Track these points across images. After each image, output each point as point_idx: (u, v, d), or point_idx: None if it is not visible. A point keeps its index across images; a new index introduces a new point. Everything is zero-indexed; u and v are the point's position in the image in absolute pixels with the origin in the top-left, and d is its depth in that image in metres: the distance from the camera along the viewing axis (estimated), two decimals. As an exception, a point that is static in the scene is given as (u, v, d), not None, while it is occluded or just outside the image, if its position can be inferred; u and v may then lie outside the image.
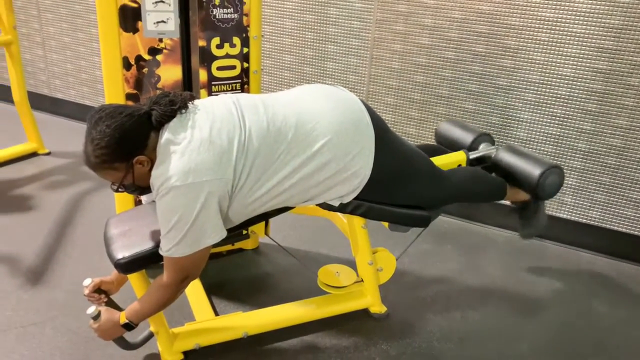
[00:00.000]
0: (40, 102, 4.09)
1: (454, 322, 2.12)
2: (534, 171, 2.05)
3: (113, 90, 2.02)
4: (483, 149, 2.22)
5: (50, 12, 3.82)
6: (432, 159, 1.97)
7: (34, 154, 3.46)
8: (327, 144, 1.62)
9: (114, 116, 1.49)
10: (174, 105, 1.54)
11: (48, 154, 3.48)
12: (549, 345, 2.03)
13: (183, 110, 1.56)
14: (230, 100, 1.65)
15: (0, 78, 4.27)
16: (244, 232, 2.41)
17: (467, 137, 2.25)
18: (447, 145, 2.33)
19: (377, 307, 2.12)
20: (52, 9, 3.81)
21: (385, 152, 1.72)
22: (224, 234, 1.58)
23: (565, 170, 2.60)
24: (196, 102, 1.62)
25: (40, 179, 3.15)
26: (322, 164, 1.63)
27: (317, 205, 1.77)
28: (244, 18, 2.10)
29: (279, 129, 1.59)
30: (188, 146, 1.49)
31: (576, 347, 2.03)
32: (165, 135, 1.51)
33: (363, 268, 2.07)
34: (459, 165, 2.11)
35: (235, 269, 2.41)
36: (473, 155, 2.16)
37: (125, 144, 1.50)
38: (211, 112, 1.58)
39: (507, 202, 2.33)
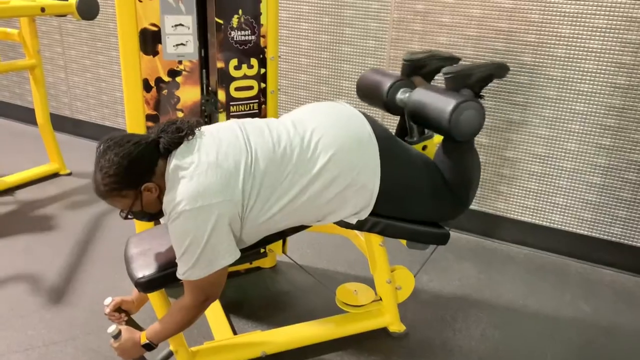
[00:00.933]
0: (62, 123, 4.17)
1: (474, 341, 2.09)
2: (446, 107, 1.70)
3: (133, 112, 2.06)
4: (401, 99, 1.92)
5: (72, 35, 3.92)
6: None
7: (55, 175, 3.52)
8: (330, 160, 1.63)
9: (122, 144, 1.52)
10: (180, 132, 1.57)
11: (69, 174, 3.55)
12: (572, 365, 1.99)
13: (190, 137, 1.58)
14: (236, 125, 1.68)
15: (24, 100, 4.37)
16: (262, 250, 2.43)
17: (384, 84, 1.95)
18: (368, 98, 2.08)
19: (396, 326, 2.11)
20: (74, 32, 3.91)
21: (392, 164, 1.72)
22: (238, 254, 1.59)
23: (584, 186, 2.58)
24: (202, 128, 1.64)
25: (61, 199, 3.20)
26: (329, 180, 1.64)
27: (334, 223, 1.78)
28: (261, 40, 2.13)
29: (285, 149, 1.61)
30: (195, 170, 1.51)
31: (600, 367, 1.99)
32: (173, 161, 1.54)
33: (381, 286, 2.06)
34: (424, 148, 1.91)
35: (253, 288, 2.41)
36: (412, 134, 1.91)
37: (134, 172, 1.52)
38: (217, 137, 1.61)
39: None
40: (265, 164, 1.58)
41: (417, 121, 1.88)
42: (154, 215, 1.63)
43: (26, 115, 4.34)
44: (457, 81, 1.88)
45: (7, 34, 3.25)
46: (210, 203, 1.49)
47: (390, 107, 1.98)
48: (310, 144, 1.63)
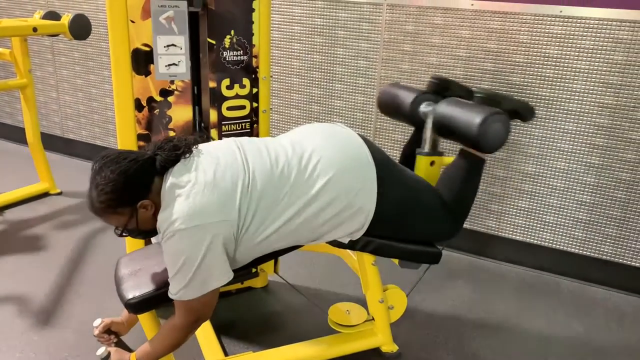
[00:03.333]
0: (52, 143, 4.15)
1: (467, 361, 2.09)
2: (474, 120, 1.73)
3: (125, 131, 2.05)
4: (423, 112, 1.94)
5: (64, 55, 3.93)
6: None
7: (45, 194, 3.49)
8: (328, 183, 1.63)
9: (118, 161, 1.51)
10: (177, 150, 1.57)
11: (59, 194, 3.52)
12: (565, 385, 1.98)
13: (187, 155, 1.58)
14: (234, 144, 1.67)
15: (15, 120, 4.36)
16: (253, 270, 2.41)
17: (407, 99, 1.98)
18: (390, 113, 2.11)
19: (389, 346, 2.10)
20: (65, 52, 3.91)
21: (388, 187, 1.72)
22: (231, 275, 1.58)
23: (575, 204, 2.60)
24: (200, 146, 1.64)
25: (51, 218, 3.18)
26: (326, 203, 1.63)
27: (327, 242, 1.77)
28: (253, 60, 2.15)
29: (282, 171, 1.61)
30: (192, 189, 1.50)
31: (593, 386, 1.98)
32: (170, 179, 1.53)
33: (374, 306, 2.05)
34: (432, 163, 1.91)
35: (244, 308, 2.39)
36: (424, 145, 1.92)
37: (129, 189, 1.51)
38: (215, 155, 1.60)
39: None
40: (263, 184, 1.57)
41: (443, 131, 1.88)
42: (149, 232, 1.61)
43: (16, 135, 4.31)
44: (486, 103, 1.91)
45: (-1, 53, 3.26)
46: (206, 223, 1.48)
47: (413, 118, 1.99)
48: (309, 166, 1.63)
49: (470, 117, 1.75)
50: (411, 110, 1.96)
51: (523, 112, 2.00)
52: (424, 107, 1.96)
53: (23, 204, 3.34)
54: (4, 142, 4.43)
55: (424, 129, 1.94)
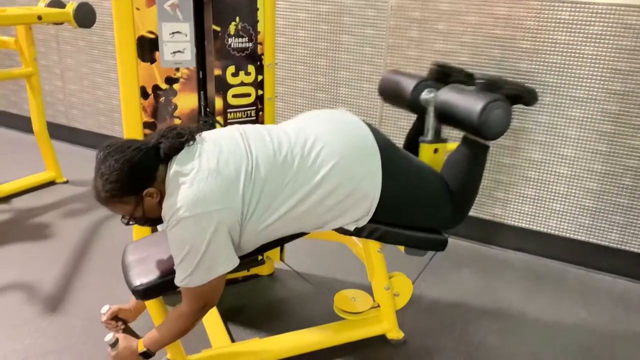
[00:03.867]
0: (58, 131, 4.16)
1: (472, 348, 2.09)
2: (475, 107, 1.72)
3: (131, 119, 2.05)
4: (425, 99, 1.93)
5: (69, 44, 3.92)
6: None
7: (52, 183, 3.51)
8: (333, 169, 1.63)
9: (122, 150, 1.51)
10: (181, 137, 1.57)
11: (66, 182, 3.54)
12: (571, 371, 1.99)
13: (191, 142, 1.58)
14: (237, 131, 1.67)
15: (21, 109, 4.36)
16: (259, 257, 2.42)
17: (408, 85, 1.96)
18: (391, 99, 2.10)
19: (394, 333, 2.10)
20: (70, 41, 3.91)
21: (393, 173, 1.71)
22: (237, 262, 1.58)
23: (581, 192, 2.59)
24: (203, 134, 1.64)
25: (58, 207, 3.19)
26: (330, 190, 1.63)
27: (333, 230, 1.78)
28: (258, 47, 2.14)
29: (285, 157, 1.61)
30: (196, 177, 1.50)
31: (599, 373, 1.99)
32: (174, 167, 1.53)
33: (379, 293, 2.06)
34: (435, 150, 1.91)
35: (251, 295, 2.40)
36: (426, 133, 1.92)
37: (134, 178, 1.51)
38: (218, 143, 1.60)
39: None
40: (266, 171, 1.57)
41: (444, 119, 1.88)
42: (156, 220, 1.62)
43: (22, 124, 4.33)
44: (487, 89, 1.89)
45: (4, 42, 3.25)
46: (210, 210, 1.48)
47: (414, 106, 1.98)
48: (312, 152, 1.63)
49: (470, 104, 1.73)
50: (413, 98, 1.95)
51: (525, 96, 1.96)
52: (425, 95, 1.94)
53: (30, 193, 3.36)
54: (10, 131, 4.44)
55: (426, 116, 1.93)
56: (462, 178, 1.85)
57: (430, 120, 1.91)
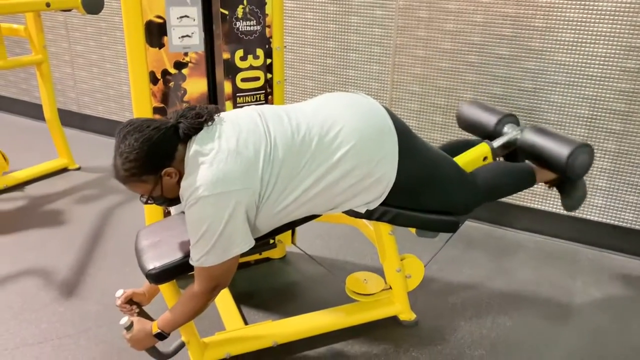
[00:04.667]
0: (69, 118, 4.19)
1: (485, 329, 2.09)
2: (562, 153, 1.96)
3: (141, 105, 2.06)
4: (507, 133, 2.14)
5: (78, 30, 3.93)
6: (456, 157, 1.95)
7: (64, 170, 3.54)
8: (350, 151, 1.62)
9: (142, 130, 1.52)
10: (200, 117, 1.57)
11: (78, 169, 3.56)
12: (583, 351, 1.99)
13: (209, 123, 1.58)
14: (255, 112, 1.67)
15: (32, 96, 4.39)
16: (271, 241, 2.43)
17: (490, 120, 2.18)
18: (470, 129, 2.27)
19: (406, 315, 2.11)
20: (79, 27, 3.91)
21: (409, 157, 1.71)
22: (252, 243, 1.59)
23: (595, 171, 2.56)
24: (222, 114, 1.64)
25: (71, 193, 3.22)
26: (346, 171, 1.63)
27: (343, 212, 1.78)
28: (267, 30, 2.13)
29: (303, 138, 1.61)
30: (216, 157, 1.51)
31: (612, 353, 1.98)
32: (193, 147, 1.54)
33: (391, 275, 2.06)
34: (485, 159, 2.05)
35: (263, 278, 2.42)
36: (497, 143, 2.10)
37: (154, 157, 1.52)
38: (237, 123, 1.60)
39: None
40: (284, 152, 1.57)
41: (528, 156, 2.11)
42: (174, 200, 1.63)
43: (34, 111, 4.36)
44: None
45: (13, 29, 3.26)
46: (229, 190, 1.49)
47: (492, 137, 2.17)
48: (330, 133, 1.63)
49: (557, 150, 1.98)
50: (494, 131, 2.16)
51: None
52: (507, 129, 2.16)
53: (43, 180, 3.39)
54: (22, 119, 4.48)
55: (502, 135, 2.13)
56: (501, 182, 2.02)
57: (506, 139, 2.11)
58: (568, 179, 2.10)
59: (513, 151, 2.14)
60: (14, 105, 4.55)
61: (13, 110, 4.57)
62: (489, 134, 2.18)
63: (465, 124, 2.30)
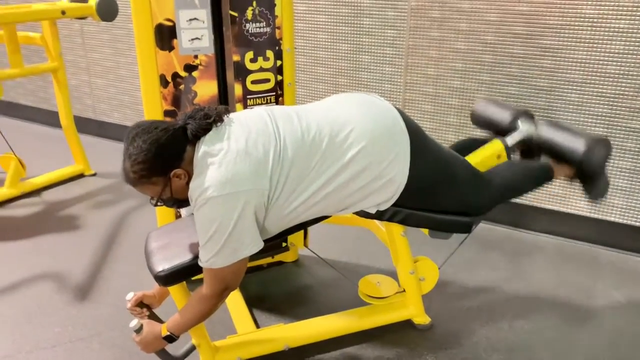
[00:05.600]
0: (86, 125, 4.23)
1: (502, 332, 2.04)
2: (578, 147, 1.94)
3: (151, 108, 2.06)
4: (522, 129, 2.11)
5: (94, 38, 3.98)
6: (470, 155, 1.91)
7: (80, 176, 3.57)
8: (361, 152, 1.60)
9: (150, 131, 1.51)
10: (208, 118, 1.56)
11: (94, 175, 3.59)
12: (604, 355, 1.92)
13: (218, 124, 1.57)
14: (264, 112, 1.65)
15: (49, 104, 4.45)
16: (284, 244, 2.41)
17: (505, 117, 2.16)
18: (484, 125, 2.24)
19: (421, 318, 2.07)
20: (95, 35, 3.96)
21: (421, 158, 1.69)
22: (262, 244, 1.58)
23: (615, 171, 2.50)
24: (231, 115, 1.63)
25: (86, 199, 3.25)
26: (357, 172, 1.61)
27: (354, 213, 1.75)
28: (277, 31, 2.12)
29: (313, 139, 1.59)
30: (225, 157, 1.50)
31: (633, 357, 1.92)
32: (202, 148, 1.53)
33: (404, 278, 2.03)
34: (499, 156, 2.01)
35: (275, 282, 2.40)
36: (512, 140, 2.06)
37: (162, 158, 1.52)
38: (246, 124, 1.59)
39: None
40: (294, 152, 1.56)
41: (543, 151, 2.08)
42: (184, 201, 1.62)
43: (51, 119, 4.42)
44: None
45: (30, 38, 3.31)
46: (238, 191, 1.47)
47: (506, 133, 2.14)
48: (341, 134, 1.61)
49: (573, 145, 1.95)
50: (509, 127, 2.13)
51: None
52: (522, 125, 2.11)
53: (59, 186, 3.43)
54: (40, 127, 4.54)
55: (517, 133, 2.09)
56: (519, 181, 1.97)
57: (520, 137, 2.07)
58: (586, 174, 2.04)
59: (528, 147, 2.10)
60: (33, 113, 4.62)
61: (32, 118, 4.64)
62: (503, 131, 2.13)
63: (480, 121, 2.27)
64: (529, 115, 2.15)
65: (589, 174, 2.04)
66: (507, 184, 1.93)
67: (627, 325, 2.07)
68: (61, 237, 2.80)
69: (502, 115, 2.16)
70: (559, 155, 2.00)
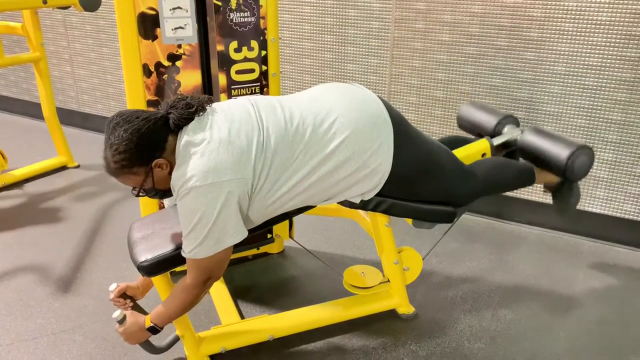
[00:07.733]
0: (69, 117, 4.18)
1: (485, 321, 2.06)
2: (562, 153, 1.97)
3: (134, 98, 2.04)
4: (507, 133, 2.16)
5: (77, 29, 3.92)
6: (455, 150, 1.93)
7: (63, 168, 3.53)
8: (344, 141, 1.60)
9: (131, 121, 1.50)
10: (190, 108, 1.55)
11: (77, 167, 3.56)
12: (586, 343, 1.95)
13: (201, 113, 1.56)
14: (247, 102, 1.65)
15: (32, 96, 4.39)
16: (269, 236, 2.41)
17: (490, 121, 2.20)
18: (470, 129, 2.28)
19: (405, 308, 2.08)
20: (78, 26, 3.91)
21: (405, 148, 1.69)
22: (245, 233, 1.57)
23: (596, 163, 2.53)
24: (214, 105, 1.62)
25: (69, 191, 3.21)
26: (340, 162, 1.61)
27: (338, 203, 1.75)
28: (261, 21, 2.10)
29: (297, 129, 1.58)
30: (207, 147, 1.49)
31: (615, 345, 1.95)
32: (185, 137, 1.52)
33: (389, 268, 2.03)
34: (483, 155, 2.05)
35: (260, 273, 2.40)
36: (497, 141, 2.11)
37: (144, 148, 1.50)
38: (229, 113, 1.58)
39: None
40: (277, 142, 1.55)
41: (527, 157, 2.12)
42: (166, 192, 1.61)
43: (34, 110, 4.36)
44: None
45: (10, 27, 3.25)
46: (221, 180, 1.47)
47: (488, 135, 2.19)
48: (324, 123, 1.61)
49: (556, 151, 1.98)
50: (494, 132, 2.18)
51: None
52: (507, 130, 2.17)
53: (42, 178, 3.39)
54: (23, 119, 4.47)
55: (502, 136, 2.15)
56: (502, 177, 2.01)
57: (506, 138, 2.13)
58: (567, 180, 2.09)
59: (511, 152, 2.13)
60: (15, 105, 4.55)
61: (14, 110, 4.57)
62: (488, 135, 2.18)
63: (465, 124, 2.30)
64: (514, 120, 2.19)
65: (569, 183, 2.10)
66: (490, 177, 1.96)
67: (608, 315, 2.11)
68: (44, 229, 2.77)
69: (487, 119, 2.20)
70: (542, 161, 2.03)
